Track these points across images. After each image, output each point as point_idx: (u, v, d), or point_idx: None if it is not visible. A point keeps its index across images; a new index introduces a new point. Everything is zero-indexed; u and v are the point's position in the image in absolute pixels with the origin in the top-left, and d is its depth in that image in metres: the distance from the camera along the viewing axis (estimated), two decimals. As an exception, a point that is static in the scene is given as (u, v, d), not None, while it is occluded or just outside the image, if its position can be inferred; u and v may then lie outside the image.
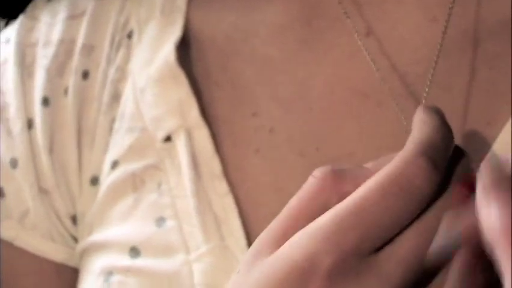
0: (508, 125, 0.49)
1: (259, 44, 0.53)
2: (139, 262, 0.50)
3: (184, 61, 0.53)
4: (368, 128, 0.50)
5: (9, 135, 0.53)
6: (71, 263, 0.54)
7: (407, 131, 0.41)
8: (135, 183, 0.51)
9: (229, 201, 0.50)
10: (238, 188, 0.50)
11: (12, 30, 0.56)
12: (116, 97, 0.53)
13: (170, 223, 0.50)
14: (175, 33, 0.53)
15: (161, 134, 0.51)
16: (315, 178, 0.38)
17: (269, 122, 0.51)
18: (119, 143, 0.52)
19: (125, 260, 0.50)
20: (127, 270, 0.50)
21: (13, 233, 0.54)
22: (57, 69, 0.54)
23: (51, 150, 0.53)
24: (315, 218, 0.36)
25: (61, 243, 0.54)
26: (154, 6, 0.55)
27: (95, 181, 0.53)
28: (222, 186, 0.50)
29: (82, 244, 0.53)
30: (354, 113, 0.51)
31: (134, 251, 0.50)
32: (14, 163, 0.53)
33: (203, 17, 0.54)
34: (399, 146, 0.51)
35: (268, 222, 0.48)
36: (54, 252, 0.54)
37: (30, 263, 0.54)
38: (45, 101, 0.53)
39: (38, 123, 0.53)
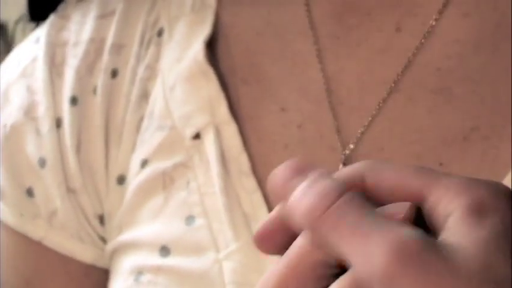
0: None
1: (290, 39, 0.53)
2: (169, 261, 0.50)
3: (212, 58, 0.53)
4: (398, 123, 0.50)
5: (38, 135, 0.54)
6: (100, 263, 0.54)
7: None
8: (165, 181, 0.51)
9: (257, 198, 0.49)
10: (267, 185, 0.50)
11: (43, 29, 0.56)
12: (145, 95, 0.53)
13: (199, 221, 0.50)
14: (204, 31, 0.53)
15: (190, 132, 0.51)
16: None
17: (298, 117, 0.51)
18: (148, 141, 0.52)
19: (155, 259, 0.50)
20: (157, 270, 0.50)
21: (42, 233, 0.53)
22: (87, 68, 0.54)
23: (78, 149, 0.53)
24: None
25: (89, 244, 0.54)
26: (184, 3, 0.55)
27: (122, 180, 0.53)
28: (250, 183, 0.50)
29: (111, 244, 0.53)
30: (385, 108, 0.50)
31: (165, 250, 0.50)
32: (42, 163, 0.53)
33: (233, 14, 0.54)
34: (429, 141, 0.51)
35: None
36: (83, 252, 0.54)
37: (58, 263, 0.54)
38: (74, 100, 0.53)
39: (66, 122, 0.53)
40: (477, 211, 0.31)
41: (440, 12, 0.52)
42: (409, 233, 0.29)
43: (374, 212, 0.31)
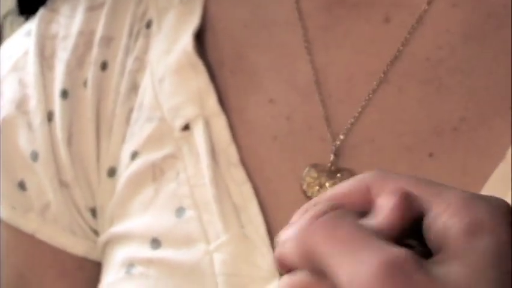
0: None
1: (278, 31, 0.53)
2: (160, 253, 0.50)
3: (200, 49, 0.53)
4: (388, 114, 0.50)
5: (30, 128, 0.54)
6: (92, 256, 0.54)
7: None
8: (155, 173, 0.51)
9: (247, 189, 0.49)
10: (256, 176, 0.50)
11: (33, 23, 0.56)
12: (134, 87, 0.53)
13: (189, 213, 0.50)
14: (193, 23, 0.53)
15: (179, 123, 0.51)
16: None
17: (286, 109, 0.51)
18: (138, 133, 0.52)
19: (146, 252, 0.50)
20: (148, 262, 0.50)
21: (34, 226, 0.54)
22: (77, 61, 0.54)
23: (69, 142, 0.53)
24: None
25: (82, 237, 0.54)
26: None
27: (112, 173, 0.53)
28: (240, 174, 0.50)
29: (103, 236, 0.53)
30: (375, 99, 0.50)
31: (155, 242, 0.50)
32: (34, 156, 0.53)
33: (221, 6, 0.54)
34: (419, 132, 0.50)
35: (288, 210, 0.48)
36: (75, 245, 0.54)
37: (51, 256, 0.55)
38: (64, 94, 0.54)
39: (57, 115, 0.53)
40: (473, 231, 0.30)
41: (429, 3, 0.52)
42: (399, 252, 0.29)
43: (364, 229, 0.30)
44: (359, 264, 0.29)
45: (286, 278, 0.32)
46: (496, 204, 0.32)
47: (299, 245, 0.31)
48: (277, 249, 0.32)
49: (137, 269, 0.50)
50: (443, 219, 0.31)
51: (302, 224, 0.31)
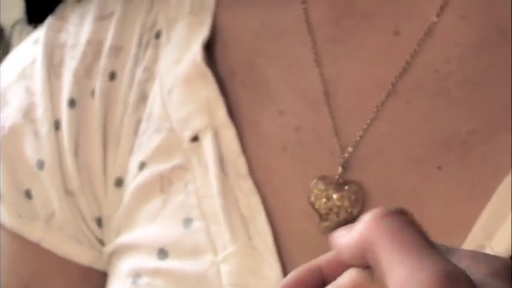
0: None
1: (288, 42, 0.53)
2: (167, 264, 0.50)
3: (210, 60, 0.53)
4: (397, 126, 0.50)
5: (37, 137, 0.54)
6: (98, 266, 0.54)
7: None
8: (163, 184, 0.51)
9: (255, 201, 0.49)
10: (265, 187, 0.50)
11: (41, 31, 0.56)
12: (143, 98, 0.53)
13: (197, 224, 0.50)
14: (202, 33, 0.53)
15: (188, 134, 0.51)
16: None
17: (296, 120, 0.51)
18: (146, 144, 0.52)
19: (153, 262, 0.50)
20: (155, 272, 0.50)
21: (40, 234, 0.54)
22: (85, 70, 0.54)
23: (76, 152, 0.53)
24: None
25: (87, 246, 0.54)
26: (182, 5, 0.55)
27: (120, 183, 0.53)
28: (248, 185, 0.50)
29: (109, 246, 0.53)
30: (384, 112, 0.50)
31: (162, 253, 0.50)
32: (40, 165, 0.53)
33: (231, 16, 0.54)
34: (428, 145, 0.50)
35: (296, 222, 0.47)
36: (81, 254, 0.54)
37: (56, 265, 0.54)
38: (72, 103, 0.53)
39: (64, 124, 0.53)
40: None
41: (438, 15, 0.52)
42: (457, 268, 0.29)
43: (429, 239, 0.30)
44: (419, 270, 0.29)
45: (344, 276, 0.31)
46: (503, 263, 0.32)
47: (359, 242, 0.30)
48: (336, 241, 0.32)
49: (144, 280, 0.50)
50: None
51: (367, 223, 0.31)
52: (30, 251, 0.54)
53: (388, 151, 0.50)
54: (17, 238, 0.54)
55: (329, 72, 0.52)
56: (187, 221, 0.50)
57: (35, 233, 0.54)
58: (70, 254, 0.54)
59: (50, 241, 0.54)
